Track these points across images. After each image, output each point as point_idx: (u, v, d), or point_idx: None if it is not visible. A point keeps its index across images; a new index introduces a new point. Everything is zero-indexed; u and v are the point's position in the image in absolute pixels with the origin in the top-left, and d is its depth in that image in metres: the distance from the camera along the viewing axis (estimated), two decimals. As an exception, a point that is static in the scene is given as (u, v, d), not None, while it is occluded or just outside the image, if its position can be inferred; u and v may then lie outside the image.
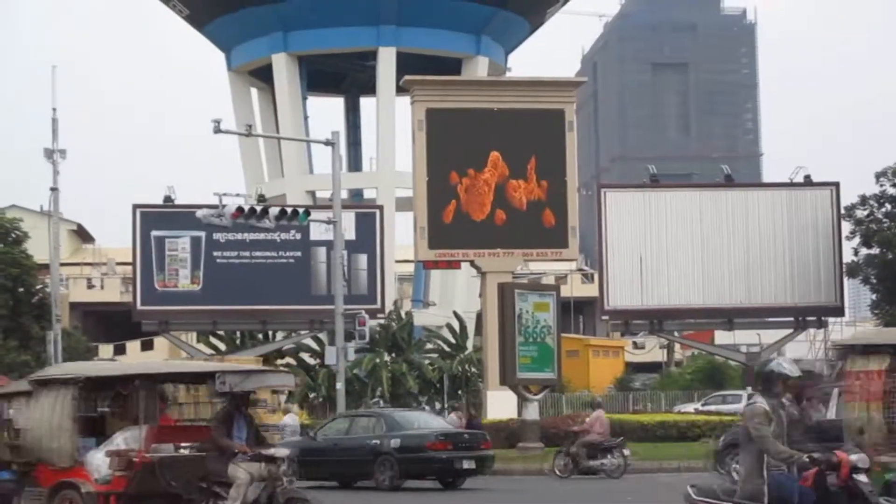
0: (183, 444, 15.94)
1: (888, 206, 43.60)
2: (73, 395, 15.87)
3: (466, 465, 25.62)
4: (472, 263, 41.57)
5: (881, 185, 43.62)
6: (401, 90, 49.36)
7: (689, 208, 41.82)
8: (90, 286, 73.66)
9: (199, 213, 31.14)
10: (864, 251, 43.74)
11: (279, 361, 46.32)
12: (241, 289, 41.42)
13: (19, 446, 16.76)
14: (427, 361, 48.52)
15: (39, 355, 43.45)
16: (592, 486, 25.65)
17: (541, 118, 41.05)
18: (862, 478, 10.19)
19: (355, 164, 65.21)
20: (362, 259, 42.14)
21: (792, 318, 42.59)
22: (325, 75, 63.98)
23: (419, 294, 61.53)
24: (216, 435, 14.93)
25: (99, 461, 15.68)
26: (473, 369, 47.14)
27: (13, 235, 45.73)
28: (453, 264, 42.68)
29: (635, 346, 65.94)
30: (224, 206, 29.87)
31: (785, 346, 45.06)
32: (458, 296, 57.92)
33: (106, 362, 27.16)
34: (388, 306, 46.06)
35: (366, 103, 66.25)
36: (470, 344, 49.57)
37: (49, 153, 44.61)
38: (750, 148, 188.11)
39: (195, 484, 15.07)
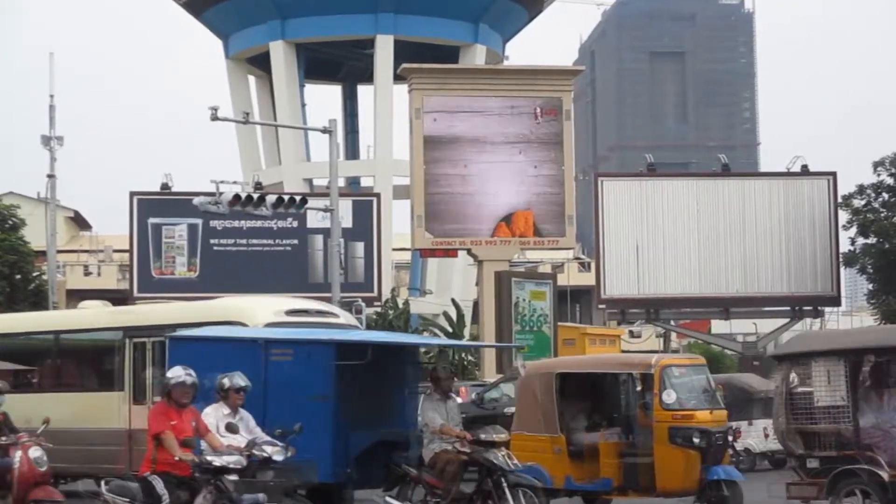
0: None
1: (885, 196, 43.48)
2: None
3: None
4: (469, 252, 41.54)
5: (878, 175, 43.52)
6: (398, 78, 49.26)
7: (687, 197, 41.84)
8: (87, 273, 73.46)
9: (196, 200, 31.02)
10: (860, 241, 43.64)
11: (275, 349, 46.35)
12: (237, 276, 41.43)
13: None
14: (424, 350, 48.42)
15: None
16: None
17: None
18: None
19: (352, 152, 65.08)
20: (359, 247, 42.15)
21: (788, 308, 42.57)
22: (323, 63, 63.85)
23: (416, 282, 61.44)
24: None
25: None
26: (470, 357, 47.13)
27: (10, 222, 45.59)
28: (450, 253, 42.66)
29: (632, 334, 65.75)
30: (221, 194, 29.77)
31: (782, 336, 44.98)
32: (455, 284, 57.84)
33: None
34: (385, 294, 46.02)
35: (363, 91, 66.14)
36: (467, 332, 49.51)
37: (46, 140, 44.55)
38: (747, 137, 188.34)
39: None
